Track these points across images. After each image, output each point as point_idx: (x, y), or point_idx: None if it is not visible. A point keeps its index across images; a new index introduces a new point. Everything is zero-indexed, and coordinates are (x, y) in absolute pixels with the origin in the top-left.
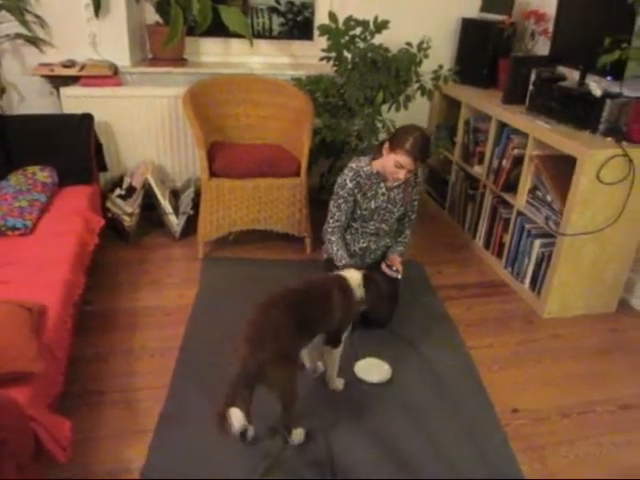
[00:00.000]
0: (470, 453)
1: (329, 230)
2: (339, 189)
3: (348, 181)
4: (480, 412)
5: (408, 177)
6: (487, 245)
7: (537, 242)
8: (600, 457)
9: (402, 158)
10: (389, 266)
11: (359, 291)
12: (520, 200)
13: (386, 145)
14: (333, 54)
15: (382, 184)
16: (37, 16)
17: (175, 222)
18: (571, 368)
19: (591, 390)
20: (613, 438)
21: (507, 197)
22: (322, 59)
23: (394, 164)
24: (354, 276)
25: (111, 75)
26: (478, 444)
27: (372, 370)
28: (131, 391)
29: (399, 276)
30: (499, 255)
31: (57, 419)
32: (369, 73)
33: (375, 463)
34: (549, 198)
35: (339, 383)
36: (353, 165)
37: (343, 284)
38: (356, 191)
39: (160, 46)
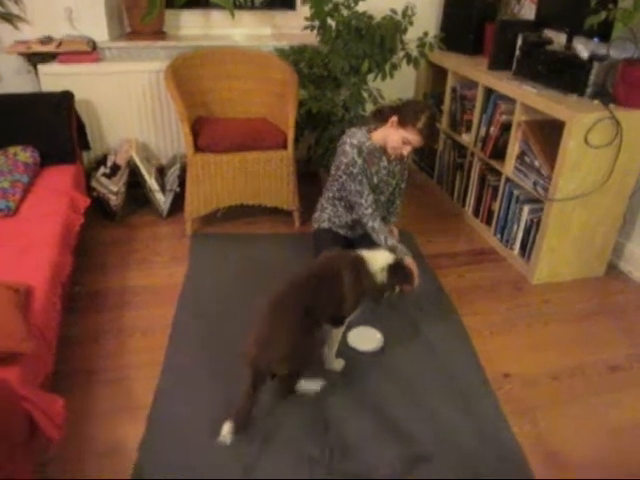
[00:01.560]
0: (462, 417)
1: (367, 213)
2: (351, 168)
3: (356, 157)
4: (471, 377)
5: (410, 153)
6: (476, 213)
7: (526, 208)
8: (590, 417)
9: (412, 136)
10: None
11: (380, 275)
12: (508, 167)
13: (394, 119)
14: (317, 22)
15: (384, 157)
16: None
17: (162, 200)
18: (560, 332)
19: (580, 353)
20: (603, 399)
21: (495, 164)
22: (306, 28)
23: (402, 140)
24: (379, 259)
25: (89, 51)
26: (470, 408)
27: (364, 339)
28: (123, 369)
29: None
30: (488, 222)
31: (49, 397)
32: (353, 41)
33: (368, 430)
34: (537, 164)
35: (337, 364)
36: (354, 141)
37: (358, 267)
38: (365, 166)
39: (139, 20)
